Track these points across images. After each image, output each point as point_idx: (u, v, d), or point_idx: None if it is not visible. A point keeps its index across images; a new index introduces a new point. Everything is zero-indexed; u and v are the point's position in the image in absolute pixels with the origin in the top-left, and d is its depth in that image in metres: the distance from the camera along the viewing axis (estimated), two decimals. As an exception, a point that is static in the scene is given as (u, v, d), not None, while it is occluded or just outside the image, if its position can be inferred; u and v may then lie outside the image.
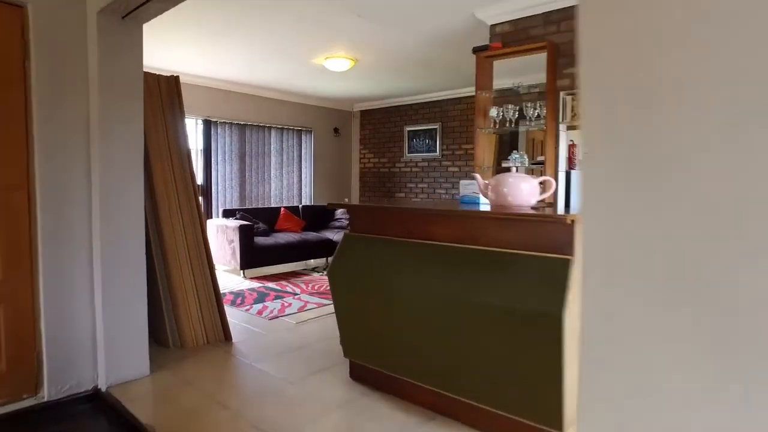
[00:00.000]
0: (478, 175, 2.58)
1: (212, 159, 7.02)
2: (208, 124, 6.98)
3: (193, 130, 6.86)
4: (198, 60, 5.84)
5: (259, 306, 4.64)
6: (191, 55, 5.60)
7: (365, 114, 9.00)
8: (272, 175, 7.87)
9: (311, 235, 6.95)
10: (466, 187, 3.11)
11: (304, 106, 8.31)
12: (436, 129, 7.96)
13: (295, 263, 6.79)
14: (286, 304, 4.71)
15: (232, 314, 4.25)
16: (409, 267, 2.46)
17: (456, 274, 2.26)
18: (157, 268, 3.53)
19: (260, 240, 6.25)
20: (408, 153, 8.36)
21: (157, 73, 3.61)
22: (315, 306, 4.67)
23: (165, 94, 3.45)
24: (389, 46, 5.16)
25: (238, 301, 4.82)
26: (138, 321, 2.93)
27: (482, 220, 2.29)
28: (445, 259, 2.35)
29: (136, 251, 2.89)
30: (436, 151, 7.98)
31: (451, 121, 7.80)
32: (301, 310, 4.54)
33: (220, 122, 7.11)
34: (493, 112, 4.08)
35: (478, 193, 3.01)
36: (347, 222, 7.58)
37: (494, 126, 4.13)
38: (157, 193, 3.47)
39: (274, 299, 4.91)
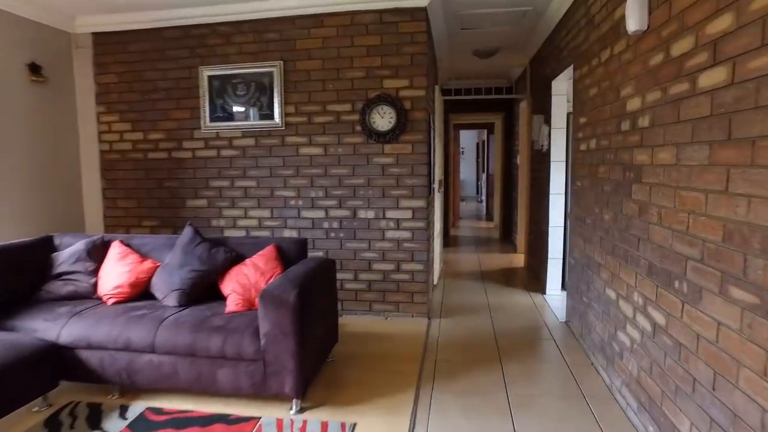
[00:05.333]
0: None
1: None
2: None
3: None
4: None
5: None
6: None
7: (104, 40, 4.43)
8: None
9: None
10: None
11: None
12: (271, 73, 4.12)
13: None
14: None
15: None
16: None
17: None
18: None
19: None
20: (211, 121, 4.28)
21: None
22: None
23: None
24: None
25: None
26: None
27: None
28: None
29: None
30: (272, 117, 4.16)
31: (303, 59, 4.07)
32: None
33: None
34: None
35: None
36: (89, 281, 3.22)
37: None
38: None
39: None
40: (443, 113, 7.03)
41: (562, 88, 4.52)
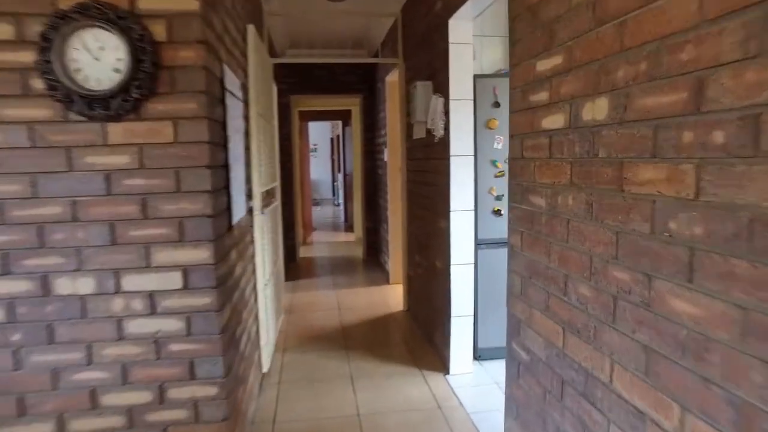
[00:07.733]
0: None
1: None
2: None
3: None
4: None
5: None
6: None
7: None
8: None
9: None
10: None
11: None
12: None
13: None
14: None
15: None
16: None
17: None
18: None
19: None
20: None
21: None
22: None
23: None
24: None
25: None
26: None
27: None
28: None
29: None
30: None
31: None
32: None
33: None
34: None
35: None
36: None
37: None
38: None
39: None
40: (279, 91, 4.88)
41: (465, 32, 2.66)
